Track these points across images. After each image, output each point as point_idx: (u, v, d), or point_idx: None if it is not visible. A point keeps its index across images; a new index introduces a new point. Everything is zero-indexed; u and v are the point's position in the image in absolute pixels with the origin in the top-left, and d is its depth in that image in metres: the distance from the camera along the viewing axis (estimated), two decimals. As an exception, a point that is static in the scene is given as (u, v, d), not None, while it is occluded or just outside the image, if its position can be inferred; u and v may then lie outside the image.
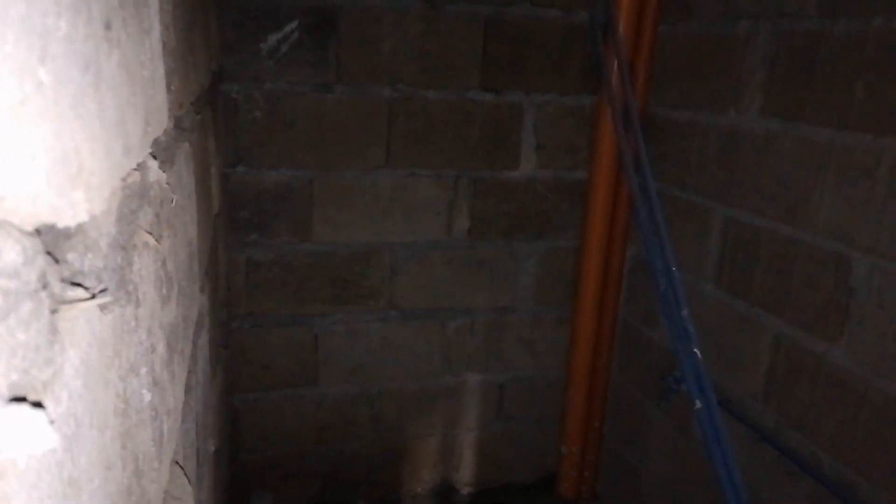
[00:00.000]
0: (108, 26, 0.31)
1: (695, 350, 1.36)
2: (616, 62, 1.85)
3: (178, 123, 0.69)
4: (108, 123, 0.30)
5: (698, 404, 1.33)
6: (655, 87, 1.93)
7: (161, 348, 0.53)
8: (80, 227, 0.31)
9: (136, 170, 0.40)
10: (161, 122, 0.52)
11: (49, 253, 0.29)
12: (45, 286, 0.27)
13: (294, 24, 1.75)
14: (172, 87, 0.65)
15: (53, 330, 0.28)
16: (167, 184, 0.54)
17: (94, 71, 0.27)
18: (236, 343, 1.92)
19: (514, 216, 2.05)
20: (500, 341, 2.15)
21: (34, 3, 0.20)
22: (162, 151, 0.54)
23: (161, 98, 0.53)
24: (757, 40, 1.57)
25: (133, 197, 0.40)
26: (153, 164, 0.46)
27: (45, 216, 0.25)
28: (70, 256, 0.32)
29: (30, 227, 0.25)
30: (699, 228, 1.78)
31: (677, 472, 1.90)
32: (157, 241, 0.50)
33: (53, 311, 0.28)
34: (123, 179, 0.36)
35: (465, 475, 2.25)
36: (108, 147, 0.30)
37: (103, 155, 0.29)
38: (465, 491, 2.26)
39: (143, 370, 0.47)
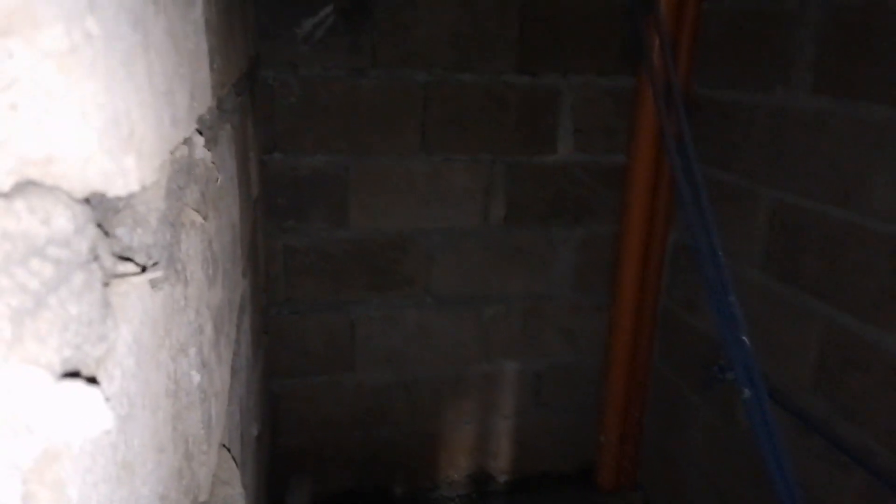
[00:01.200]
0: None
1: (743, 338, 1.32)
2: (658, 41, 1.79)
3: (220, 104, 0.68)
4: (157, 90, 0.28)
5: (747, 394, 1.28)
6: (698, 65, 1.87)
7: (209, 329, 0.52)
8: (130, 200, 0.30)
9: (183, 144, 0.39)
10: (205, 98, 0.51)
11: (99, 225, 0.27)
12: (96, 258, 0.26)
13: (329, 9, 1.74)
14: (215, 66, 0.64)
15: (106, 304, 0.26)
16: (212, 162, 0.53)
17: (142, 31, 0.25)
18: (275, 329, 1.93)
19: (551, 202, 2.02)
20: (538, 329, 2.12)
21: None
22: (207, 129, 0.53)
23: (205, 74, 0.52)
24: (806, 15, 1.50)
25: (181, 172, 0.39)
26: (199, 141, 0.45)
27: (96, 183, 0.24)
28: (119, 231, 0.31)
29: (80, 195, 0.24)
30: (745, 212, 1.72)
31: (721, 463, 1.86)
32: (203, 220, 0.48)
33: (105, 285, 0.27)
34: (172, 152, 0.35)
35: (501, 463, 2.24)
36: (158, 114, 0.29)
37: (154, 122, 0.27)
38: (502, 479, 2.25)
39: (192, 350, 0.46)
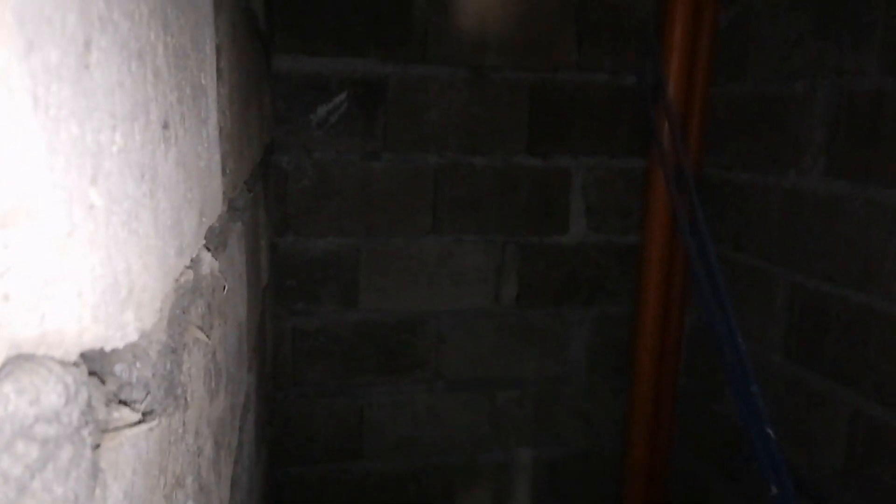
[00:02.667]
0: (165, 125, 0.29)
1: (767, 430, 1.26)
2: (667, 124, 1.81)
3: (231, 205, 0.68)
4: (163, 229, 0.27)
5: (774, 490, 1.22)
6: (709, 147, 1.89)
7: (208, 449, 0.49)
8: (129, 344, 0.28)
9: (188, 267, 0.37)
10: (215, 208, 0.50)
11: (94, 373, 0.25)
12: (87, 422, 0.24)
13: (343, 96, 1.78)
14: (227, 171, 0.63)
15: (95, 471, 0.24)
16: (219, 271, 0.52)
17: (149, 178, 0.24)
18: (281, 414, 1.88)
19: (564, 282, 2.00)
20: (553, 413, 2.06)
21: (88, 120, 0.18)
22: (215, 238, 0.52)
23: (216, 184, 0.51)
24: (815, 100, 1.52)
25: (185, 295, 0.37)
26: (206, 256, 0.44)
27: (91, 344, 0.22)
28: (117, 368, 0.29)
29: (74, 356, 0.22)
30: (763, 295, 1.69)
31: (749, 559, 1.75)
32: (207, 333, 0.47)
33: (96, 447, 0.25)
34: (176, 281, 0.34)
35: (516, 556, 2.12)
36: (162, 255, 0.27)
37: (156, 266, 0.26)
38: (517, 573, 2.13)
39: (190, 479, 0.43)
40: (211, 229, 0.49)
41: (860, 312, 1.41)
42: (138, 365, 0.31)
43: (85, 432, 0.23)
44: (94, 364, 0.25)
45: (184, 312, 0.38)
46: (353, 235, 1.85)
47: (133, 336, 0.25)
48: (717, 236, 1.83)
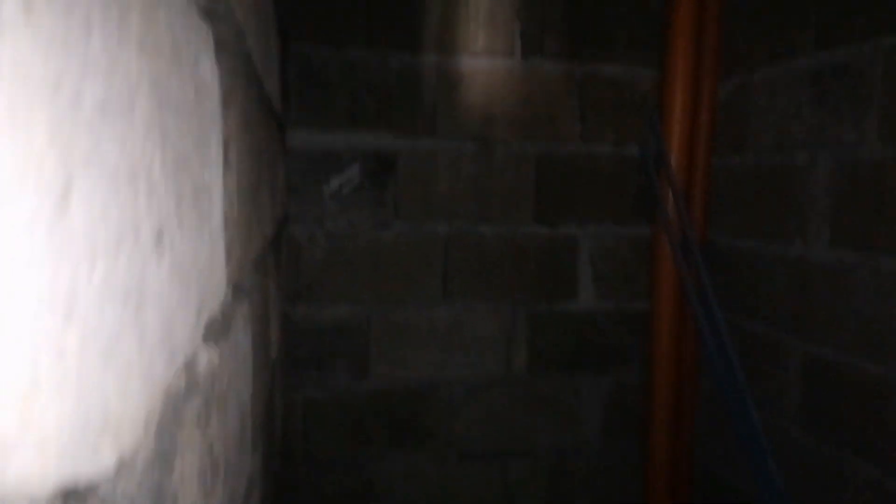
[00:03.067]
0: (159, 237, 0.31)
1: (784, 506, 1.23)
2: (671, 193, 1.84)
3: (237, 287, 0.70)
4: (150, 345, 0.29)
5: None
6: (714, 216, 1.90)
7: (203, 541, 0.50)
8: (108, 470, 0.29)
9: (183, 369, 0.39)
10: (217, 297, 0.52)
11: (68, 496, 0.26)
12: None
13: (355, 168, 1.84)
14: (233, 257, 0.66)
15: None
16: (220, 360, 0.53)
17: (136, 298, 0.26)
18: (289, 488, 1.86)
19: (575, 350, 1.99)
20: (567, 487, 2.01)
21: (63, 261, 0.19)
22: (216, 327, 0.54)
23: (219, 275, 0.53)
24: (816, 170, 1.54)
25: (178, 397, 0.39)
26: (204, 352, 0.46)
27: (62, 484, 0.23)
28: (102, 489, 0.30)
29: (43, 499, 0.23)
30: (776, 364, 1.67)
31: None
32: (203, 429, 0.48)
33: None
34: (167, 389, 0.35)
35: None
36: (149, 372, 0.29)
37: (140, 387, 0.28)
38: None
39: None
40: (212, 320, 0.51)
41: (875, 383, 1.38)
42: (122, 483, 0.32)
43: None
44: (69, 499, 0.27)
45: (176, 415, 0.40)
46: (365, 304, 1.87)
47: (110, 466, 0.26)
48: (725, 304, 1.83)
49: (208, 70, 0.48)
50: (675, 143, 1.84)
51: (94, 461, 0.24)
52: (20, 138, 0.17)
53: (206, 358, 0.47)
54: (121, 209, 0.26)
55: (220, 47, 0.54)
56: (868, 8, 1.39)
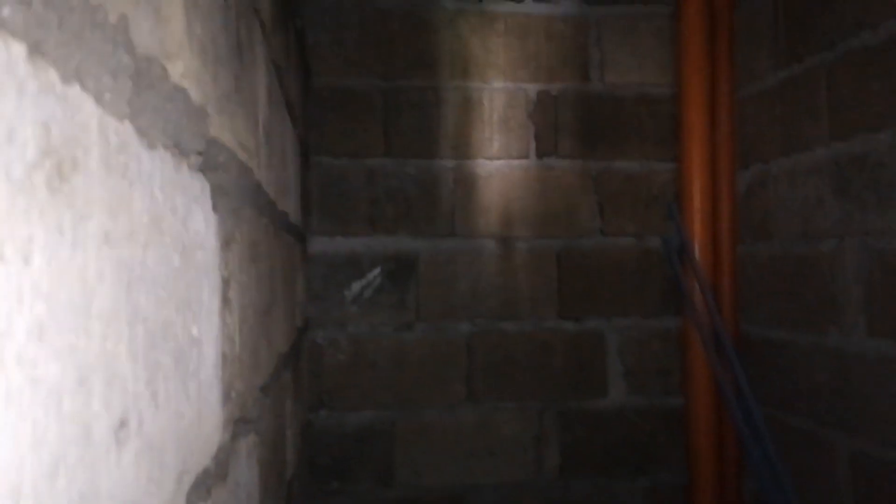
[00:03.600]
0: (121, 426, 0.30)
1: None
2: (697, 285, 1.81)
3: (239, 423, 0.69)
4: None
5: None
6: (744, 305, 1.85)
7: None
8: None
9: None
10: (208, 451, 0.51)
11: None
12: None
13: (376, 271, 1.85)
14: (234, 393, 0.65)
15: None
16: (212, 514, 0.51)
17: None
18: None
19: (608, 449, 1.90)
20: None
21: None
22: (208, 478, 0.52)
23: (211, 425, 0.52)
24: (845, 259, 1.50)
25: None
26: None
27: None
28: None
29: None
30: (822, 462, 1.57)
31: None
32: None
33: None
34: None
35: None
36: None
37: None
38: None
39: None
40: (201, 474, 0.50)
41: (933, 486, 1.28)
42: None
43: None
44: None
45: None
46: (388, 408, 1.84)
47: None
48: (763, 398, 1.75)
49: (201, 222, 0.49)
50: (697, 233, 1.82)
51: None
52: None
53: (193, 518, 0.45)
54: (62, 422, 0.24)
55: (219, 193, 0.56)
56: (880, 99, 1.39)
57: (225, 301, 0.61)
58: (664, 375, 1.94)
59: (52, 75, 0.24)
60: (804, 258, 1.63)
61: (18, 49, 0.22)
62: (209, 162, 0.52)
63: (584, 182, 1.92)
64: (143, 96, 0.33)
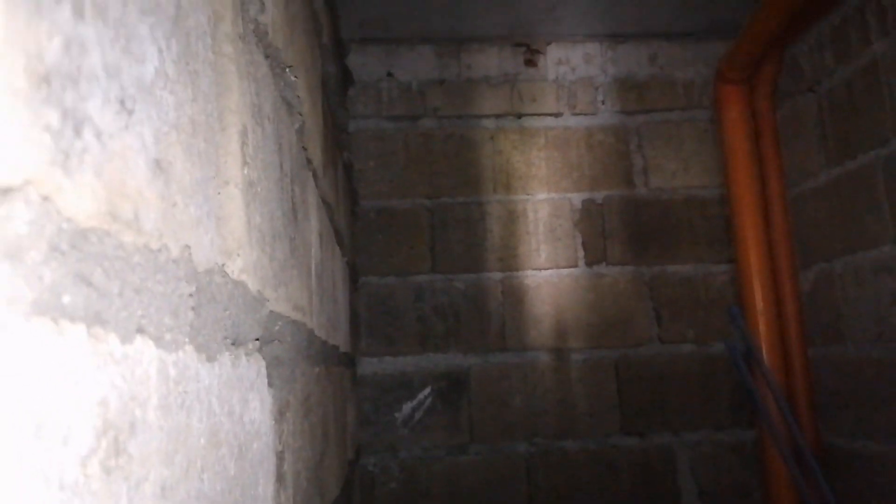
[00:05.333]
0: None
1: None
2: (770, 393, 1.69)
3: None
4: None
5: None
6: (823, 414, 1.72)
7: None
8: None
9: None
10: None
11: None
12: None
13: (427, 391, 1.80)
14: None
15: None
16: None
17: None
18: None
19: (688, 581, 1.73)
20: None
21: None
22: None
23: None
24: (933, 363, 1.39)
25: None
26: None
27: None
28: None
29: None
30: None
31: None
32: None
33: None
34: None
35: None
36: None
37: None
38: None
39: None
40: None
41: None
42: None
43: None
44: None
45: None
46: (445, 540, 1.72)
47: None
48: (861, 519, 1.58)
49: (257, 408, 0.46)
50: (763, 337, 1.73)
51: None
52: None
53: None
54: None
55: (275, 365, 0.54)
56: (945, 194, 1.33)
57: (279, 479, 0.58)
58: (743, 495, 1.78)
59: (112, 341, 0.22)
60: (882, 362, 1.52)
61: (77, 332, 0.20)
62: (266, 338, 0.50)
63: (638, 288, 1.87)
64: (203, 314, 0.32)
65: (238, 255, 0.39)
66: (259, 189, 0.46)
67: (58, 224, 0.18)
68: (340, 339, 1.26)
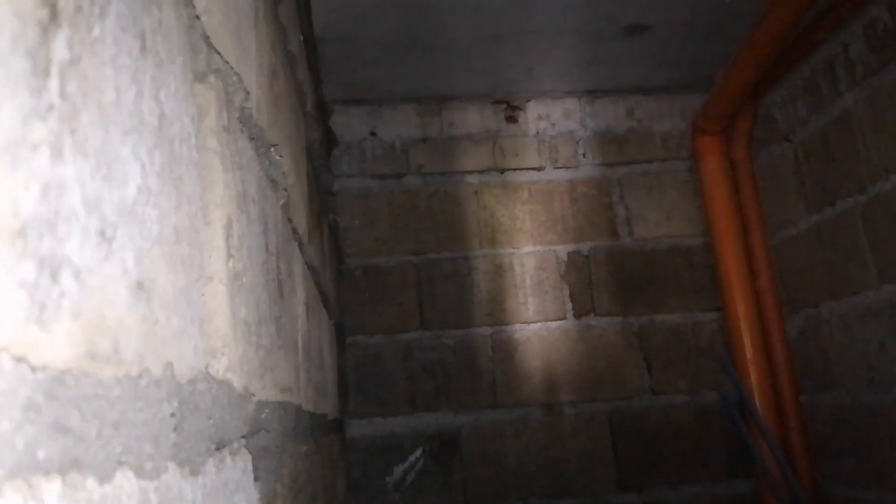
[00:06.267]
0: None
1: None
2: (765, 442, 1.67)
3: None
4: None
5: None
6: (819, 462, 1.70)
7: None
8: None
9: None
10: None
11: None
12: None
13: (418, 453, 1.76)
14: None
15: None
16: None
17: None
18: None
19: None
20: None
21: None
22: None
23: None
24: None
25: None
26: None
27: None
28: None
29: None
30: None
31: None
32: None
33: None
34: None
35: None
36: None
37: None
38: None
39: None
40: None
41: None
42: None
43: None
44: None
45: None
46: None
47: None
48: (866, 572, 1.54)
49: (245, 507, 0.44)
50: (755, 385, 1.72)
51: None
52: None
53: None
54: None
55: (262, 456, 0.52)
56: (924, 240, 1.35)
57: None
58: (744, 547, 1.74)
59: (90, 485, 0.21)
60: (874, 408, 1.51)
61: (51, 486, 0.19)
62: (252, 431, 0.49)
63: (628, 339, 1.86)
64: (186, 428, 0.31)
65: (223, 353, 0.38)
66: (245, 279, 0.45)
67: (32, 381, 0.17)
68: (328, 406, 1.23)
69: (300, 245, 0.89)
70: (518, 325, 1.85)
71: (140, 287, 0.25)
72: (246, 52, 0.54)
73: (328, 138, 1.83)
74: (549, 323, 1.86)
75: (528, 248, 1.89)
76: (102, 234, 0.22)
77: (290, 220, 0.80)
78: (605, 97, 1.98)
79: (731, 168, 1.82)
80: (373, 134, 1.91)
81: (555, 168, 1.94)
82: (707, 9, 1.54)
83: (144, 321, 0.25)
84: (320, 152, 1.41)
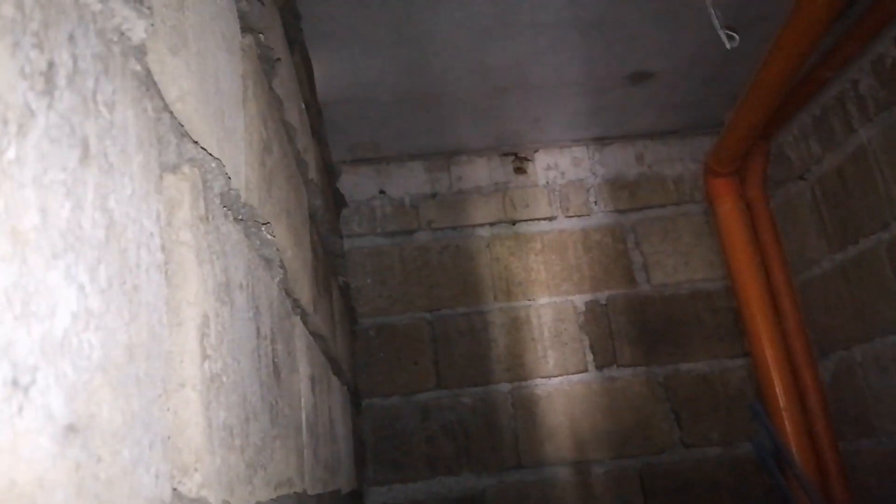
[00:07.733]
0: None
1: None
2: (804, 494, 1.58)
3: None
4: None
5: None
6: (868, 515, 1.59)
7: None
8: None
9: None
10: None
11: None
12: None
13: (441, 518, 1.68)
14: None
15: None
16: None
17: None
18: None
19: None
20: None
21: None
22: None
23: None
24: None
25: None
26: None
27: None
28: None
29: None
30: None
31: None
32: None
33: None
34: None
35: None
36: None
37: None
38: None
39: None
40: None
41: None
42: None
43: None
44: None
45: None
46: None
47: None
48: None
49: None
50: (790, 433, 1.63)
51: None
52: None
53: None
54: None
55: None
56: (957, 276, 1.29)
57: None
58: None
59: None
60: (924, 454, 1.42)
61: None
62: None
63: (654, 390, 1.79)
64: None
65: (195, 469, 0.35)
66: (226, 377, 0.42)
67: None
68: (342, 480, 1.18)
69: (304, 317, 0.86)
70: (538, 380, 1.80)
71: (71, 430, 0.22)
72: (230, 133, 0.53)
73: (336, 199, 1.83)
74: (571, 376, 1.80)
75: (544, 300, 1.85)
76: (15, 383, 0.19)
77: (289, 295, 0.77)
78: (613, 144, 1.96)
79: (746, 209, 1.78)
80: (382, 192, 1.90)
81: (567, 217, 1.91)
82: (708, 52, 1.53)
83: (78, 469, 0.22)
84: (326, 217, 1.40)
